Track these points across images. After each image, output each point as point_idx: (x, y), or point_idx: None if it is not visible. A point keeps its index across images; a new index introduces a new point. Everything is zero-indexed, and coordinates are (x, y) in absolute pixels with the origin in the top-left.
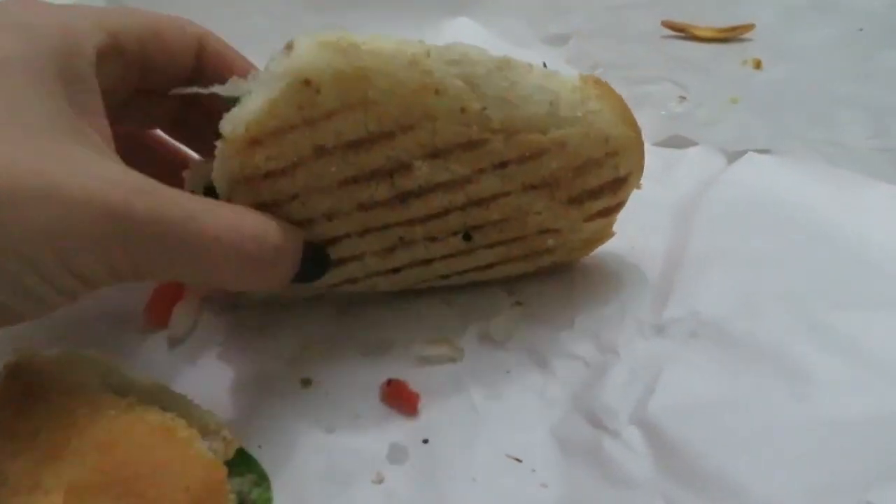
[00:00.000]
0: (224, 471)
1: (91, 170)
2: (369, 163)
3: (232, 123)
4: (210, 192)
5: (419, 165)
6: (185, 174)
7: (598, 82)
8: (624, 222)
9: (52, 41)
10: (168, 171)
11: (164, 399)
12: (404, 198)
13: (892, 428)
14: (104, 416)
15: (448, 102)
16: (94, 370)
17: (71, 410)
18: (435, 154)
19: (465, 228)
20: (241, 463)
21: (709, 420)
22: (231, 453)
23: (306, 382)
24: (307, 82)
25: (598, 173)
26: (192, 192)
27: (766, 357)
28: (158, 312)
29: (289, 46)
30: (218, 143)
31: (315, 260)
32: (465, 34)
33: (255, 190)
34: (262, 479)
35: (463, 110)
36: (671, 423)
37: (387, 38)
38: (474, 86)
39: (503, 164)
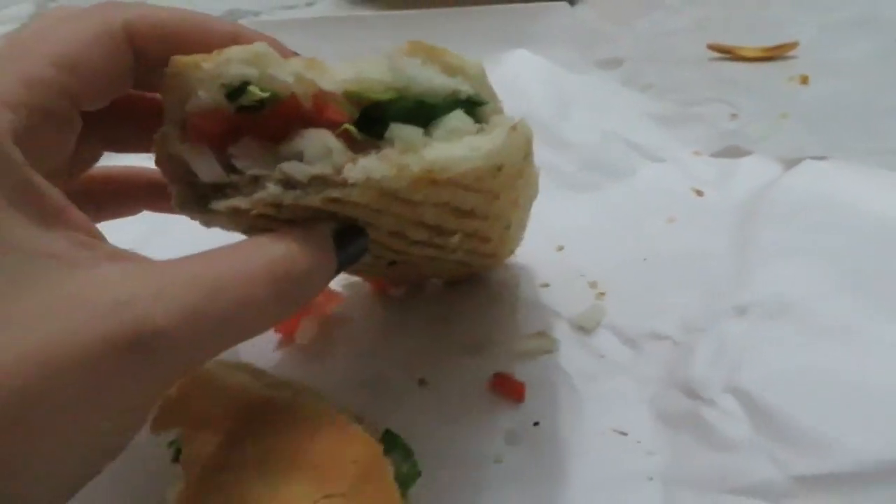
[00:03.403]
0: (380, 446)
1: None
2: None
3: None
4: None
5: None
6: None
7: None
8: (688, 224)
9: None
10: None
11: (308, 394)
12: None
13: None
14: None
15: None
16: (249, 374)
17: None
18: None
19: None
20: (388, 441)
21: (798, 385)
22: (379, 434)
23: (422, 382)
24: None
25: None
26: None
27: (850, 332)
28: (287, 324)
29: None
30: (388, 147)
31: (351, 241)
32: (523, 65)
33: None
34: (409, 455)
35: None
36: (763, 389)
37: None
38: None
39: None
